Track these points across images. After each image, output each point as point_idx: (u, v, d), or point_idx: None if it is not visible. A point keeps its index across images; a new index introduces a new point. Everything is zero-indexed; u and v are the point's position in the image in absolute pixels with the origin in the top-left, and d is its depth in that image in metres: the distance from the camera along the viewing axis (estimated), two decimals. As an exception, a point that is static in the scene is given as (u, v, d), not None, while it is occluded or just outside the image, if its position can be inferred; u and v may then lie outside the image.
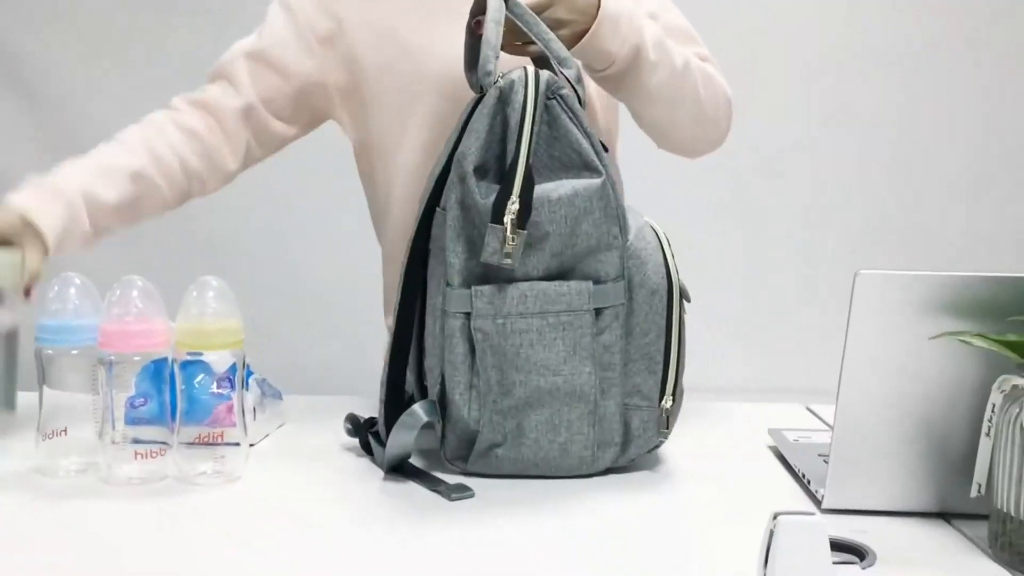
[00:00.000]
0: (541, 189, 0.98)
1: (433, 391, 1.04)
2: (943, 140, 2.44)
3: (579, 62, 1.09)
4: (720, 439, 1.20)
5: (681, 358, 1.05)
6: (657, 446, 1.07)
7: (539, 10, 1.09)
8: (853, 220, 2.38)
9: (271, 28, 1.27)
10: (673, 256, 1.04)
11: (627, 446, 1.05)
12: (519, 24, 1.07)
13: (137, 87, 2.24)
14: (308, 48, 1.25)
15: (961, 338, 0.87)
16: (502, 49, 1.04)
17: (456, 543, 0.86)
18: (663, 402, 1.04)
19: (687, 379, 1.07)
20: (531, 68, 1.01)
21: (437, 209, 1.03)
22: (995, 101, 2.42)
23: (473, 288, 0.99)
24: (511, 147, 0.99)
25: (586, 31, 1.11)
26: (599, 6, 1.11)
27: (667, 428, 1.05)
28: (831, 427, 0.95)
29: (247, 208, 2.31)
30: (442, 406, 1.03)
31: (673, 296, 1.03)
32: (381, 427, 1.08)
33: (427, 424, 1.02)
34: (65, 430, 1.02)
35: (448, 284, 1.00)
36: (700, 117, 1.24)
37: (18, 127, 2.32)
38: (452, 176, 1.00)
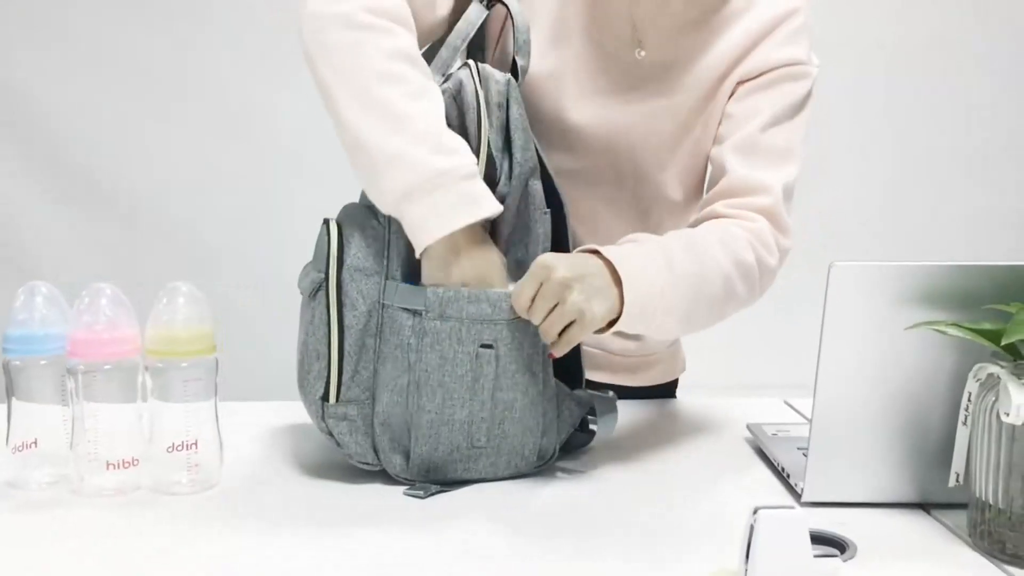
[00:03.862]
0: None
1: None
2: (915, 133, 2.46)
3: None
4: (698, 435, 1.20)
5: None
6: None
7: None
8: (827, 213, 2.39)
9: None
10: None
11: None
12: None
13: (117, 98, 2.24)
14: None
15: (936, 328, 0.87)
16: None
17: (435, 542, 0.86)
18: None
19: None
20: (472, 63, 1.02)
21: None
22: (965, 93, 2.45)
23: None
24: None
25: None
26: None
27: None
28: (809, 420, 0.95)
29: (221, 211, 2.31)
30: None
31: None
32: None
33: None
34: (35, 442, 1.00)
35: None
36: (716, 319, 1.12)
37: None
38: None
